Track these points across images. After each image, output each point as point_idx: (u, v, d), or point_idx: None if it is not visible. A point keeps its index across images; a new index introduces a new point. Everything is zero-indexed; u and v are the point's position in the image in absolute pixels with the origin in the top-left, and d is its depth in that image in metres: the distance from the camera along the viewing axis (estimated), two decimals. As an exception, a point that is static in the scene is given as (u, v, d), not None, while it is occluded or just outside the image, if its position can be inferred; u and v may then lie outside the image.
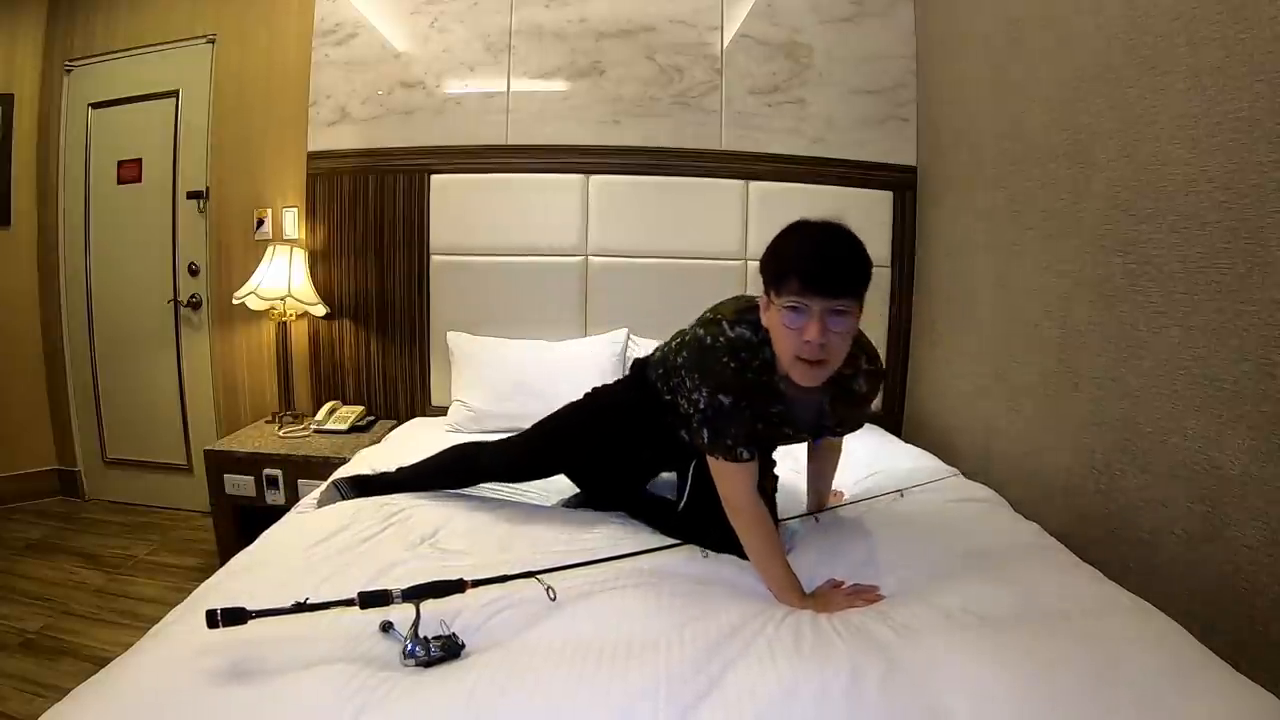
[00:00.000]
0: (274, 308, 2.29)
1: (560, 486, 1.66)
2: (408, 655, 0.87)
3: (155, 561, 2.35)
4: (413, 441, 1.94)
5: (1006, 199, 1.83)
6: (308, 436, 2.24)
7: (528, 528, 1.36)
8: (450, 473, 1.56)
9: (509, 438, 1.57)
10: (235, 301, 2.29)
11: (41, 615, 1.96)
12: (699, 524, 1.28)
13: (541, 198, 2.37)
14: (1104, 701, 0.82)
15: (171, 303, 2.70)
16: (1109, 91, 1.42)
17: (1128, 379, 1.36)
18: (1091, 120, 1.48)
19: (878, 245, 2.42)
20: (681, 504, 1.37)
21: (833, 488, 1.68)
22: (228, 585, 1.11)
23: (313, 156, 2.44)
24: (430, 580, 0.96)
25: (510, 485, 1.63)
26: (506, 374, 2.21)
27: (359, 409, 2.37)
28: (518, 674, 0.85)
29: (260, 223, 2.57)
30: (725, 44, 2.40)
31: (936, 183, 2.30)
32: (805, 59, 2.40)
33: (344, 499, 1.50)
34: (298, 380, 2.50)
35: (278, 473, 2.07)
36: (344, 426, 2.27)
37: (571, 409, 1.49)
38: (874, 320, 2.44)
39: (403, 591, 0.93)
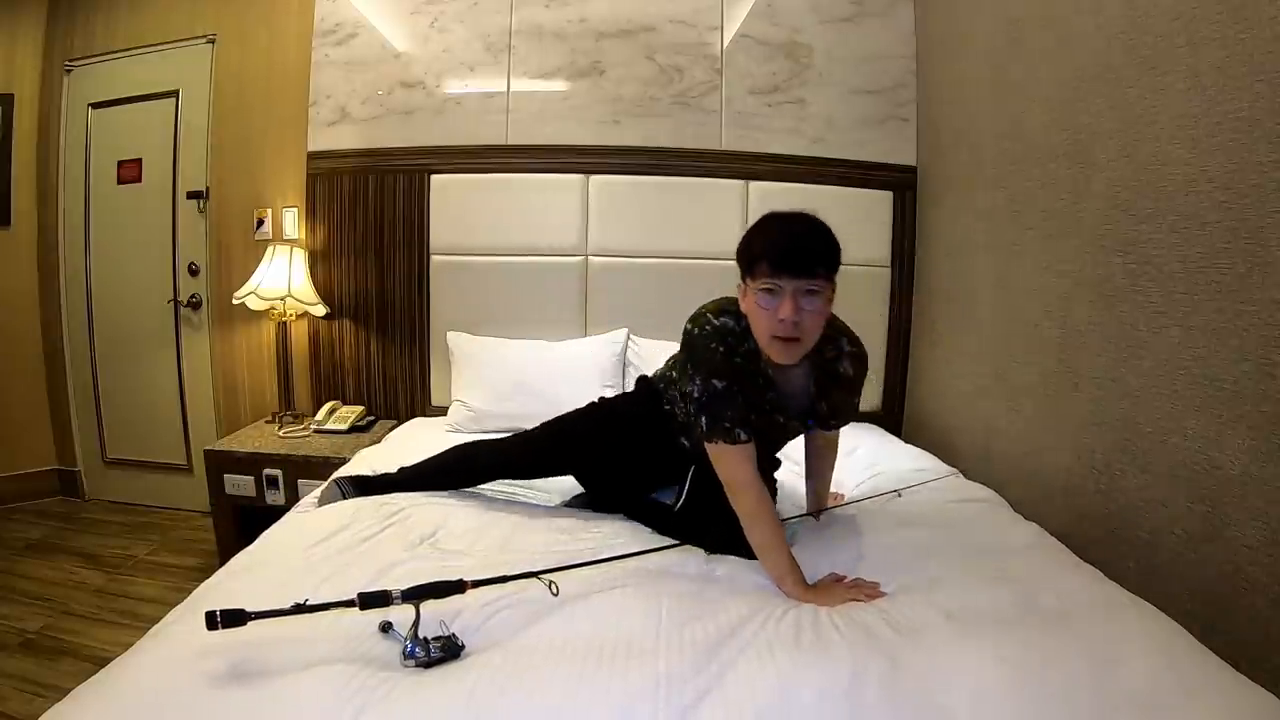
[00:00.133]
0: (274, 308, 2.29)
1: (562, 487, 1.67)
2: (407, 656, 0.87)
3: (155, 561, 2.36)
4: (413, 441, 1.94)
5: (1006, 199, 1.83)
6: (308, 436, 2.24)
7: (527, 528, 1.37)
8: (453, 471, 1.56)
9: (513, 435, 1.58)
10: (235, 301, 2.29)
11: (41, 615, 1.96)
12: (696, 525, 1.29)
13: (541, 198, 2.37)
14: (1104, 701, 0.82)
15: (171, 303, 2.70)
16: (1109, 91, 1.42)
17: (1128, 379, 1.36)
18: (1091, 120, 1.48)
19: (878, 245, 2.42)
20: (678, 505, 1.38)
21: (833, 488, 1.68)
22: (228, 585, 1.11)
23: (313, 156, 2.44)
24: (430, 581, 0.96)
25: (510, 486, 1.63)
26: (506, 374, 2.21)
27: (359, 409, 2.38)
28: (517, 674, 0.85)
29: (260, 223, 2.57)
30: (725, 44, 2.40)
31: (936, 183, 2.30)
32: (805, 59, 2.40)
33: (345, 497, 1.50)
34: (298, 380, 2.50)
35: (278, 473, 2.08)
36: (344, 426, 2.27)
37: (578, 414, 1.52)
38: (874, 320, 2.44)
39: (402, 592, 0.93)
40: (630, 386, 1.69)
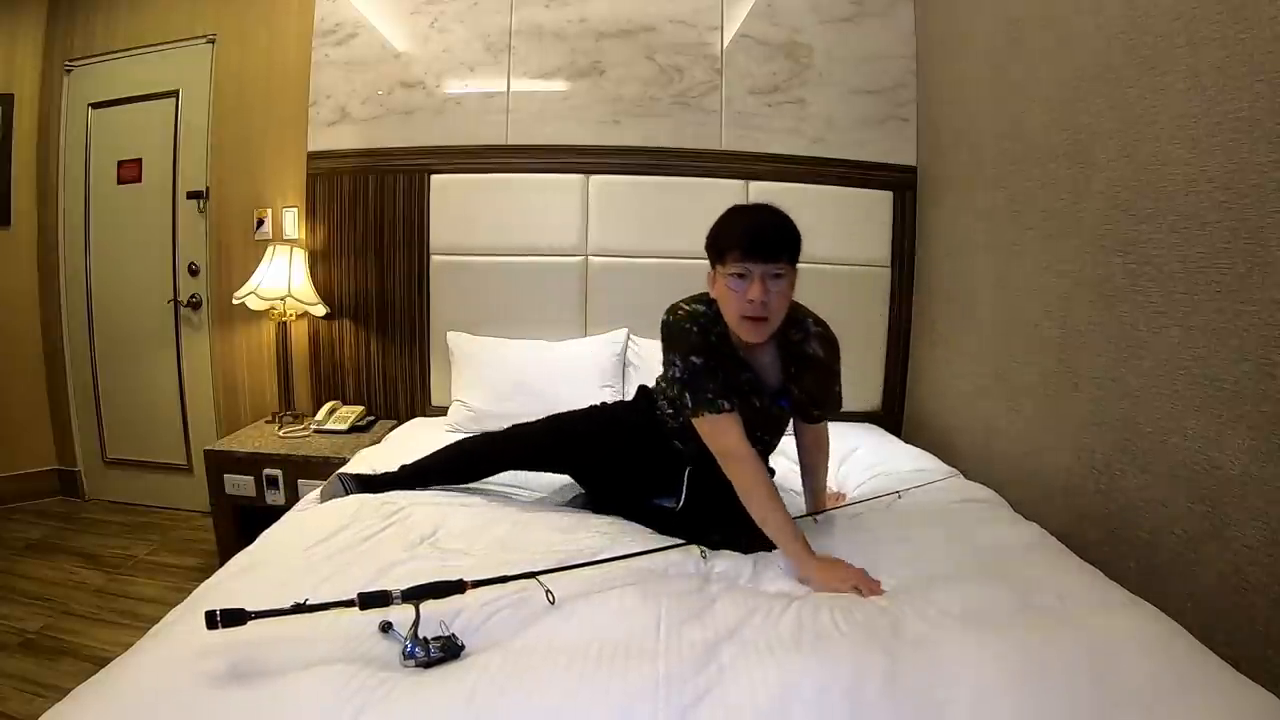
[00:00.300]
0: (274, 308, 2.29)
1: (562, 486, 1.67)
2: (407, 656, 0.87)
3: (155, 561, 2.36)
4: (413, 441, 1.94)
5: (1006, 199, 1.83)
6: (308, 436, 2.24)
7: (527, 527, 1.36)
8: (454, 466, 1.57)
9: (513, 428, 1.58)
10: (235, 301, 2.29)
11: (41, 615, 1.96)
12: (697, 524, 1.30)
13: (541, 198, 2.37)
14: (1103, 701, 0.82)
15: (171, 303, 2.70)
16: (1109, 91, 1.42)
17: (1128, 379, 1.36)
18: (1091, 120, 1.48)
19: (878, 245, 2.42)
20: (679, 506, 1.39)
21: (833, 488, 1.69)
22: (228, 585, 1.11)
23: (313, 156, 2.44)
24: (430, 581, 0.96)
25: (510, 485, 1.63)
26: (506, 374, 2.21)
27: (359, 409, 2.38)
28: (517, 674, 0.85)
29: (260, 223, 2.57)
30: (725, 44, 2.40)
31: (936, 183, 2.30)
32: (805, 59, 2.40)
33: (348, 493, 1.50)
34: (298, 380, 2.50)
35: (278, 473, 2.08)
36: (344, 426, 2.27)
37: (580, 414, 1.57)
38: (874, 320, 2.44)
39: (402, 592, 0.93)
40: (630, 387, 1.71)
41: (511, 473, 1.65)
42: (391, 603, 0.92)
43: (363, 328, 2.47)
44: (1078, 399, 1.52)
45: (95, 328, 2.79)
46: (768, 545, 1.25)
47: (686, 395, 1.26)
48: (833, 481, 1.81)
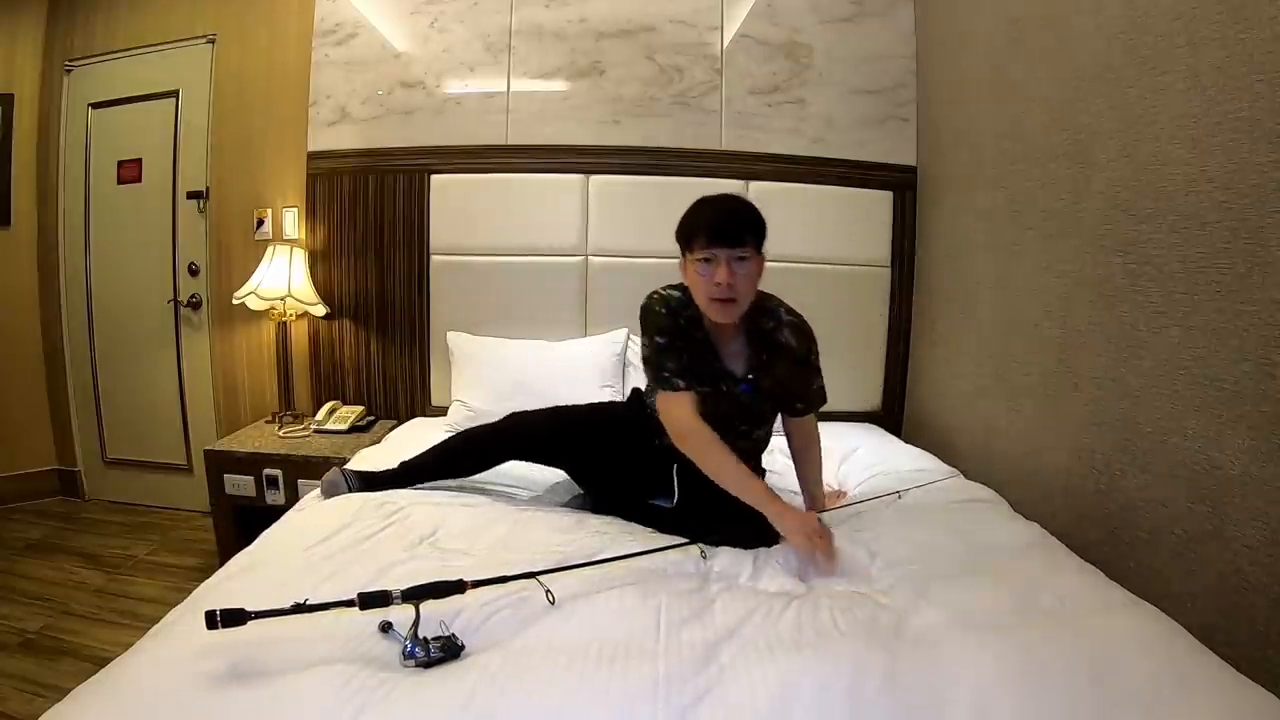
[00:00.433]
0: (274, 308, 2.29)
1: (559, 485, 1.67)
2: (407, 656, 0.87)
3: (155, 561, 2.36)
4: (413, 442, 1.93)
5: (1006, 199, 1.83)
6: (308, 436, 2.24)
7: (527, 527, 1.36)
8: (457, 457, 1.58)
9: (518, 414, 1.58)
10: (235, 301, 2.29)
11: (41, 615, 1.96)
12: (695, 522, 1.30)
13: (541, 198, 2.37)
14: (1103, 701, 0.82)
15: (171, 303, 2.70)
16: (1109, 91, 1.42)
17: (1128, 379, 1.36)
18: (1091, 120, 1.48)
19: (878, 245, 2.42)
20: (674, 503, 1.40)
21: (834, 486, 1.69)
22: (227, 585, 1.11)
23: (313, 156, 2.44)
24: (430, 581, 0.96)
25: (510, 485, 1.63)
26: (506, 374, 2.21)
27: (359, 409, 2.38)
28: (517, 674, 0.84)
29: (260, 223, 2.57)
30: (725, 44, 2.40)
31: (936, 183, 2.30)
32: (805, 59, 2.40)
33: (350, 488, 1.51)
34: (298, 380, 2.50)
35: (278, 473, 2.08)
36: (344, 426, 2.27)
37: (586, 408, 1.62)
38: (874, 320, 2.44)
39: (402, 592, 0.93)
40: (630, 387, 1.74)
41: (511, 471, 1.65)
42: (391, 603, 0.92)
43: (363, 328, 2.47)
44: (1078, 399, 1.52)
45: (95, 328, 2.79)
46: (768, 541, 1.26)
47: (648, 373, 1.36)
48: (834, 479, 1.81)
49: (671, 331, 1.35)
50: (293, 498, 2.01)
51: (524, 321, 2.36)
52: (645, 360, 1.38)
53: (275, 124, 2.52)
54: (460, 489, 1.58)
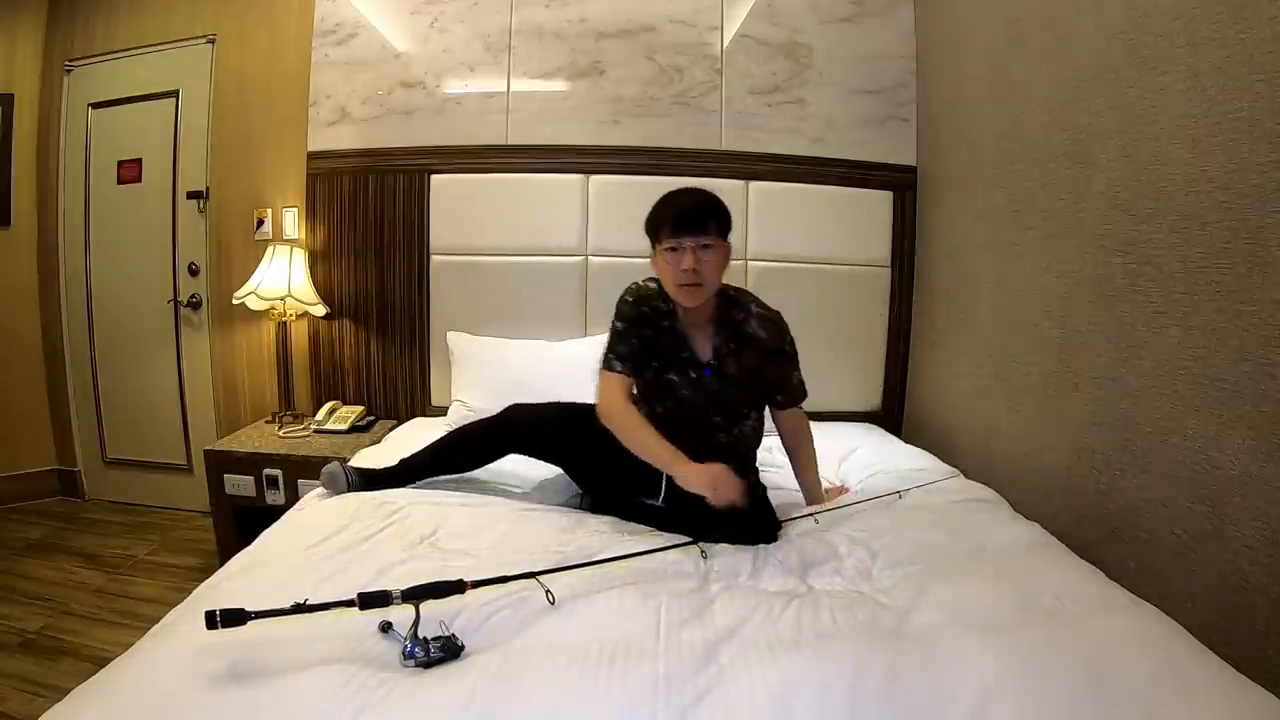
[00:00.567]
0: (274, 308, 2.29)
1: (557, 485, 1.67)
2: (407, 656, 0.87)
3: (155, 561, 2.36)
4: (413, 441, 1.93)
5: (1006, 199, 1.83)
6: (308, 436, 2.24)
7: (527, 527, 1.37)
8: (455, 452, 1.59)
9: (526, 406, 1.59)
10: (235, 301, 2.29)
11: (41, 615, 1.96)
12: (682, 519, 1.34)
13: (542, 198, 2.37)
14: (1103, 701, 0.82)
15: (171, 303, 2.70)
16: (1109, 91, 1.42)
17: (1128, 379, 1.36)
18: (1091, 120, 1.48)
19: (878, 245, 2.42)
20: (661, 500, 1.42)
21: (835, 483, 1.69)
22: (227, 585, 1.11)
23: (313, 156, 2.44)
24: (430, 581, 0.96)
25: (509, 484, 1.63)
26: (506, 374, 2.21)
27: (359, 409, 2.37)
28: (517, 674, 0.85)
29: (260, 223, 2.57)
30: (725, 44, 2.40)
31: (936, 183, 2.30)
32: (805, 59, 2.40)
33: (350, 486, 1.51)
34: (298, 380, 2.50)
35: (278, 473, 2.07)
36: (344, 426, 2.27)
37: (587, 405, 1.59)
38: (874, 320, 2.44)
39: (402, 592, 0.93)
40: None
41: (509, 470, 1.66)
42: (391, 603, 0.92)
43: (363, 328, 2.47)
44: (1078, 399, 1.52)
45: (95, 328, 2.79)
46: (769, 537, 1.29)
47: (601, 353, 1.46)
48: (835, 477, 1.81)
49: (630, 319, 1.45)
50: (293, 498, 2.01)
51: (524, 321, 2.36)
52: (606, 343, 1.47)
53: (275, 124, 2.52)
54: (459, 488, 1.58)
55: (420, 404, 2.48)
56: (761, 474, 1.58)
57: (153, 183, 2.68)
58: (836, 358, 2.39)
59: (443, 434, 1.65)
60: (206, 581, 1.15)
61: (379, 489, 1.51)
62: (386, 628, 0.93)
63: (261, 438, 2.23)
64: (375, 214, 2.42)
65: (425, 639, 0.88)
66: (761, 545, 1.29)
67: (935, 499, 1.55)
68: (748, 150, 2.40)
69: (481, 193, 2.38)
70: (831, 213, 2.39)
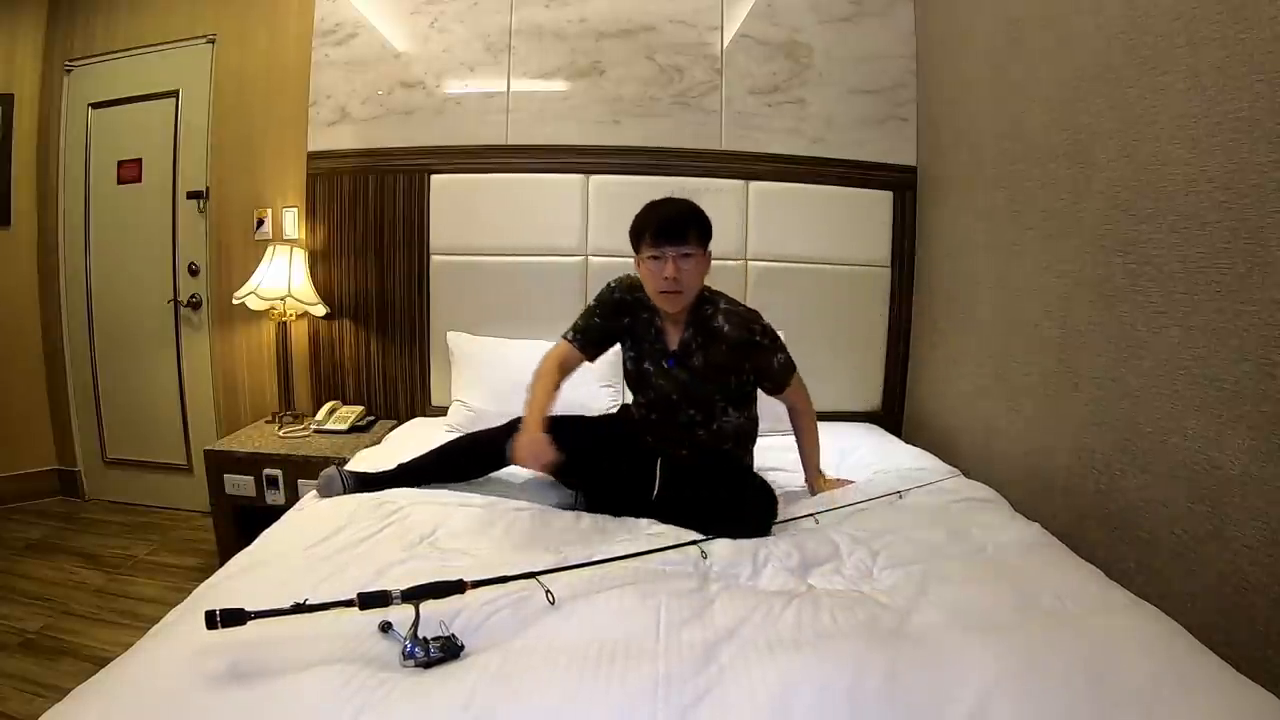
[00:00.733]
0: (274, 308, 2.29)
1: (554, 485, 1.67)
2: (407, 656, 0.87)
3: (155, 561, 2.36)
4: (413, 441, 1.94)
5: (1006, 199, 1.83)
6: (308, 436, 2.24)
7: (526, 527, 1.37)
8: (454, 460, 1.60)
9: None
10: (235, 301, 2.29)
11: (41, 615, 1.96)
12: (671, 510, 1.42)
13: (541, 198, 2.37)
14: (1103, 701, 0.82)
15: (171, 303, 2.70)
16: (1109, 91, 1.42)
17: (1128, 379, 1.36)
18: (1091, 120, 1.48)
19: (878, 245, 2.42)
20: (655, 494, 1.48)
21: (839, 476, 1.70)
22: (227, 585, 1.11)
23: (313, 156, 2.43)
24: (430, 581, 0.96)
25: (509, 485, 1.64)
26: (506, 374, 2.20)
27: (359, 409, 2.37)
28: (517, 675, 0.85)
29: (260, 223, 2.57)
30: (725, 44, 2.40)
31: (936, 183, 2.30)
32: (805, 59, 2.40)
33: (344, 488, 1.51)
34: (298, 380, 2.50)
35: (278, 473, 2.07)
36: (344, 426, 2.27)
37: (588, 417, 1.74)
38: (874, 320, 2.44)
39: (402, 592, 0.93)
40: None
41: (509, 472, 1.65)
42: (391, 603, 0.92)
43: (363, 328, 2.47)
44: (1078, 399, 1.52)
45: (95, 328, 2.79)
46: (762, 530, 1.37)
47: None
48: (836, 474, 1.81)
49: (604, 302, 1.57)
50: (293, 498, 2.01)
51: (524, 321, 2.36)
52: None
53: (275, 124, 2.52)
54: (458, 488, 1.58)
55: (420, 404, 2.48)
56: (762, 474, 1.58)
57: (153, 183, 2.68)
58: (836, 358, 2.39)
59: (442, 439, 1.66)
60: (206, 581, 1.15)
61: (379, 491, 1.51)
62: (386, 628, 0.93)
63: (261, 438, 2.23)
64: (375, 214, 2.42)
65: (425, 639, 0.89)
66: (761, 544, 1.29)
67: (935, 499, 1.55)
68: (748, 150, 2.40)
69: (481, 193, 2.38)
70: (831, 213, 2.39)
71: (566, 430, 1.57)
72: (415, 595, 0.93)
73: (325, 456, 2.06)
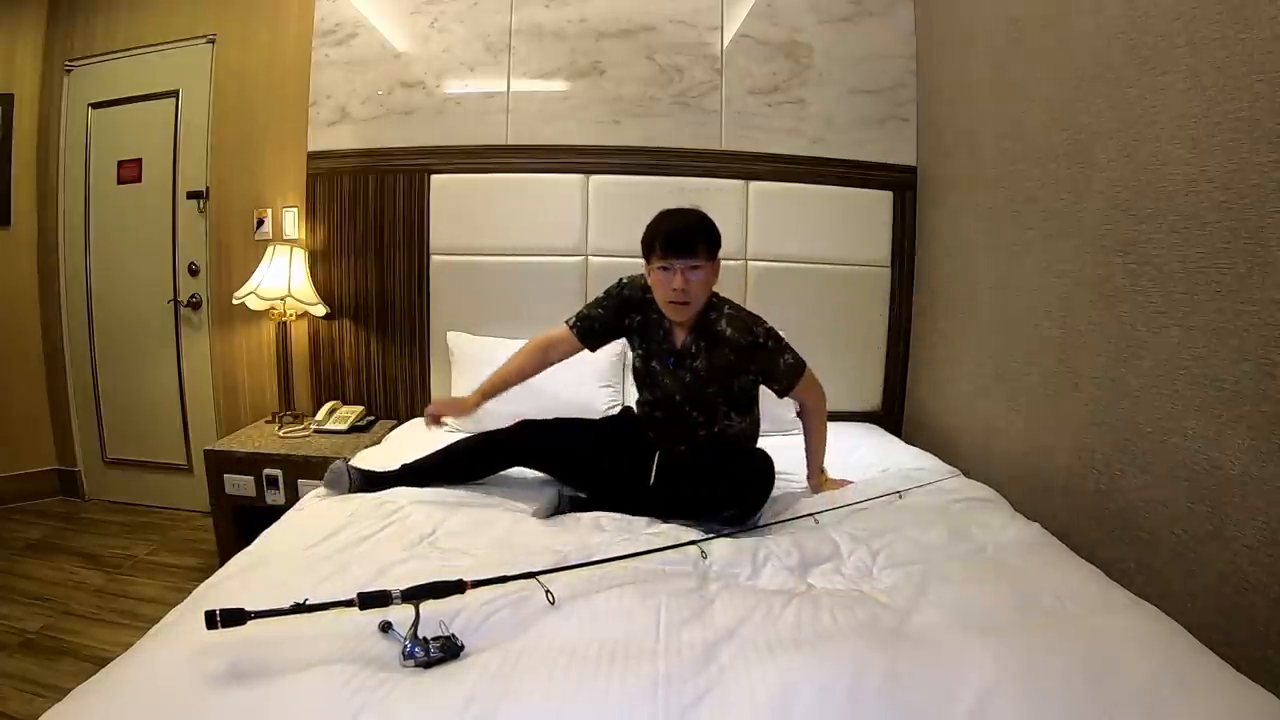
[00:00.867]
0: (274, 308, 2.29)
1: (557, 486, 1.67)
2: (407, 656, 0.87)
3: (155, 561, 2.36)
4: (413, 441, 1.94)
5: (1006, 199, 1.83)
6: (308, 436, 2.24)
7: (526, 527, 1.37)
8: (459, 460, 1.61)
9: (537, 423, 1.65)
10: (235, 301, 2.29)
11: (41, 615, 1.96)
12: (664, 500, 1.47)
13: (541, 198, 2.37)
14: (1103, 701, 0.82)
15: (171, 303, 2.70)
16: (1109, 91, 1.42)
17: (1128, 379, 1.36)
18: (1091, 120, 1.48)
19: (878, 245, 2.42)
20: (650, 482, 1.55)
21: (841, 475, 1.70)
22: (227, 585, 1.11)
23: (313, 156, 2.44)
24: (430, 580, 0.96)
25: (508, 485, 1.63)
26: (506, 374, 2.21)
27: (359, 409, 2.37)
28: (517, 675, 0.85)
29: (260, 223, 2.57)
30: (725, 44, 2.40)
31: (937, 183, 2.30)
32: (805, 59, 2.40)
33: (351, 483, 1.52)
34: (298, 380, 2.50)
35: (278, 473, 2.07)
36: (344, 426, 2.27)
37: (590, 420, 1.76)
38: (874, 320, 2.44)
39: (402, 592, 0.93)
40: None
41: (509, 472, 1.65)
42: (391, 603, 0.92)
43: (363, 328, 2.47)
44: (1078, 399, 1.51)
45: (95, 328, 2.79)
46: (763, 499, 1.48)
47: None
48: (836, 474, 1.81)
49: (612, 296, 1.61)
50: (293, 498, 2.01)
51: (524, 321, 2.35)
52: None
53: (275, 124, 2.52)
54: (460, 490, 1.58)
55: (420, 404, 2.48)
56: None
57: (153, 183, 2.68)
58: (836, 358, 2.39)
59: (442, 439, 1.67)
60: (206, 581, 1.15)
61: (383, 489, 1.52)
62: (386, 628, 0.93)
63: (261, 438, 2.23)
64: (375, 214, 2.42)
65: (425, 639, 0.89)
66: (760, 543, 1.28)
67: (935, 499, 1.55)
68: (748, 150, 2.40)
69: (481, 193, 2.38)
70: (831, 213, 2.39)
71: (566, 431, 1.63)
72: (415, 595, 0.93)
73: (325, 456, 2.05)
